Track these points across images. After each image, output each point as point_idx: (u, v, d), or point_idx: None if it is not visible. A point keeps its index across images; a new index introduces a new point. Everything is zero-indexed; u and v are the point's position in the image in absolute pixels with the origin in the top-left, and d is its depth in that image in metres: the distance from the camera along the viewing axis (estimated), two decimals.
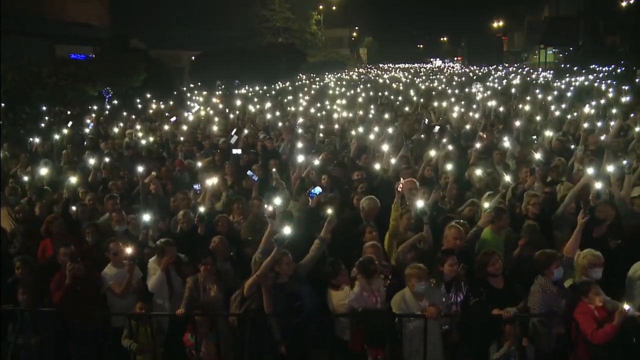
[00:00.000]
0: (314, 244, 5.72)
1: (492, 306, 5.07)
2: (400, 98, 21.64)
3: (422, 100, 19.36)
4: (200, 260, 5.62)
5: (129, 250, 5.63)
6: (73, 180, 8.44)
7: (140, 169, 8.11)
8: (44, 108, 20.71)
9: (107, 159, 10.25)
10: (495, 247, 5.92)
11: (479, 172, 7.93)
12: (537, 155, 8.29)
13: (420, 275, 5.05)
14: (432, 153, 9.07)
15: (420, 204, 6.09)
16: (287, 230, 5.27)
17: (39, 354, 5.52)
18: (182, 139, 12.69)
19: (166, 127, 13.87)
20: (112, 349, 5.70)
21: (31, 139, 13.22)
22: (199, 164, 9.45)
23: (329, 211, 5.93)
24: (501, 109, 15.21)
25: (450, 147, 9.65)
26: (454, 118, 13.99)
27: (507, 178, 7.49)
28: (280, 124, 14.39)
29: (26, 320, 5.51)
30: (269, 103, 19.65)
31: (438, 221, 6.57)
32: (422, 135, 11.69)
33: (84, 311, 5.52)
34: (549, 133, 10.66)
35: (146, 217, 6.57)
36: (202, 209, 6.85)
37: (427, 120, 13.56)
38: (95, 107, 21.30)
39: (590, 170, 6.92)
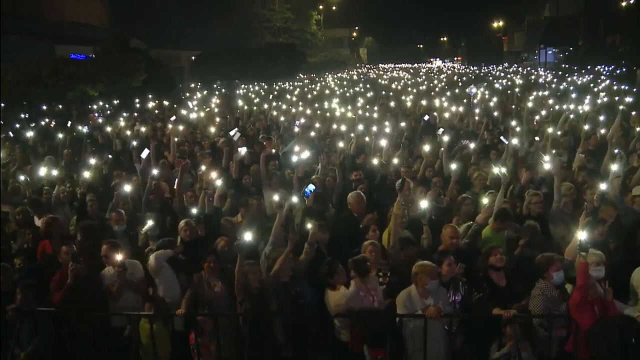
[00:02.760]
0: (304, 248, 5.73)
1: (493, 303, 5.07)
2: (401, 97, 21.65)
3: (424, 102, 19.37)
4: (205, 259, 5.65)
5: (119, 256, 5.61)
6: (87, 175, 8.47)
7: (155, 171, 8.12)
8: (44, 108, 20.73)
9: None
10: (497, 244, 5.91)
11: (496, 170, 7.85)
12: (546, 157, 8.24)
13: (432, 273, 5.04)
14: (427, 148, 9.12)
15: (421, 204, 6.10)
16: (247, 236, 5.23)
17: (38, 355, 5.52)
18: (178, 139, 12.64)
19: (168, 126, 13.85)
20: (112, 348, 5.70)
21: (28, 135, 13.26)
22: (203, 167, 9.42)
23: (309, 225, 5.89)
24: (496, 113, 15.18)
25: (445, 138, 9.60)
26: (453, 118, 13.99)
27: (496, 170, 7.51)
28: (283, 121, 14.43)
29: (25, 322, 5.50)
30: (273, 103, 19.68)
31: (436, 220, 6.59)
32: (422, 135, 11.68)
33: (84, 311, 5.53)
34: (550, 130, 10.66)
35: (149, 222, 6.59)
36: (194, 210, 6.90)
37: (427, 117, 13.53)
38: (95, 107, 21.34)
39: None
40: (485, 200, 6.44)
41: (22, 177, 9.20)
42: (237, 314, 5.37)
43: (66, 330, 5.72)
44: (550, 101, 16.56)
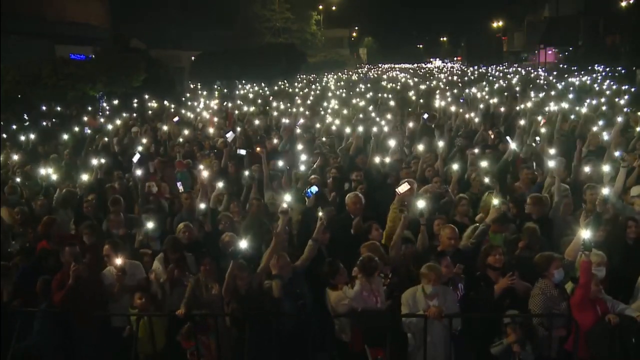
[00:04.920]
0: (308, 245, 5.74)
1: (490, 293, 5.09)
2: (400, 97, 21.63)
3: (421, 100, 19.37)
4: (201, 261, 5.67)
5: (118, 260, 5.62)
6: (85, 177, 8.47)
7: (138, 171, 8.13)
8: (44, 108, 20.72)
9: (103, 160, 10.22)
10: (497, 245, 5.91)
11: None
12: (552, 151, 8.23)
13: (432, 278, 5.03)
14: (421, 148, 9.15)
15: (419, 204, 6.09)
16: (243, 243, 5.23)
17: (38, 354, 5.51)
18: (180, 140, 12.64)
19: (165, 128, 13.85)
20: (112, 348, 5.70)
21: (23, 137, 13.25)
22: (201, 167, 9.41)
23: (320, 213, 5.91)
24: (502, 109, 15.19)
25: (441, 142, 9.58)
26: (452, 117, 13.98)
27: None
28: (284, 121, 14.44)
29: (25, 322, 5.49)
30: (273, 103, 19.69)
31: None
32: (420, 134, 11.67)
33: (84, 311, 5.52)
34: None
35: (150, 225, 6.61)
36: (202, 206, 6.93)
37: (427, 115, 13.50)
38: (93, 107, 21.32)
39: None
40: (495, 202, 6.42)
41: (18, 179, 9.18)
42: (236, 314, 5.34)
43: (66, 330, 5.72)
44: (551, 103, 16.52)
